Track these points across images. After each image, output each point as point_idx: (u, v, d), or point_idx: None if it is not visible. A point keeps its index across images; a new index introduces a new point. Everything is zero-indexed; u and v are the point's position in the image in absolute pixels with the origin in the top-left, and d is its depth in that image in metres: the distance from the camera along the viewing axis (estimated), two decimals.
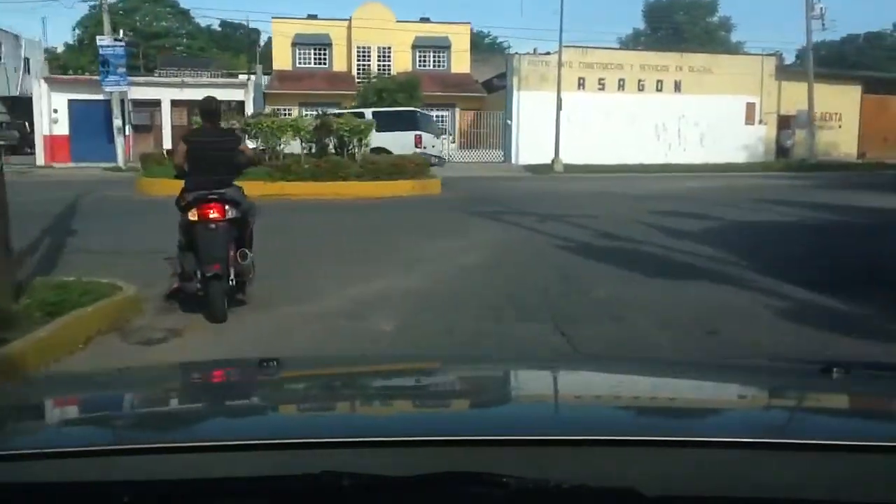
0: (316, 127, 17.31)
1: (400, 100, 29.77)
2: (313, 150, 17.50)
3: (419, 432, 1.17)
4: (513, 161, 31.74)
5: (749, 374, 2.02)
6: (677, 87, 33.48)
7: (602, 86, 32.74)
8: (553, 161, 29.05)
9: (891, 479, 1.03)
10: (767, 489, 1.02)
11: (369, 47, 38.69)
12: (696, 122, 33.49)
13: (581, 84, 32.42)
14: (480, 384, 1.81)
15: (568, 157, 29.22)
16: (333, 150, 17.54)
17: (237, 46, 59.42)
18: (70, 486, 1.02)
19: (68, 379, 2.52)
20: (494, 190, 19.29)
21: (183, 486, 1.01)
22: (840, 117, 37.07)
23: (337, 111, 23.92)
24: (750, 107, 34.49)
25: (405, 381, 1.86)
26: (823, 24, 32.45)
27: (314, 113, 22.28)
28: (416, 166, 17.22)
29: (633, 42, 52.93)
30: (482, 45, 54.02)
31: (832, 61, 46.81)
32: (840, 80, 36.51)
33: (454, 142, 33.55)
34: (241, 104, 29.02)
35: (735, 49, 50.47)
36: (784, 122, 35.32)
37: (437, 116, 35.53)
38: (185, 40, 61.67)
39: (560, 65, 29.48)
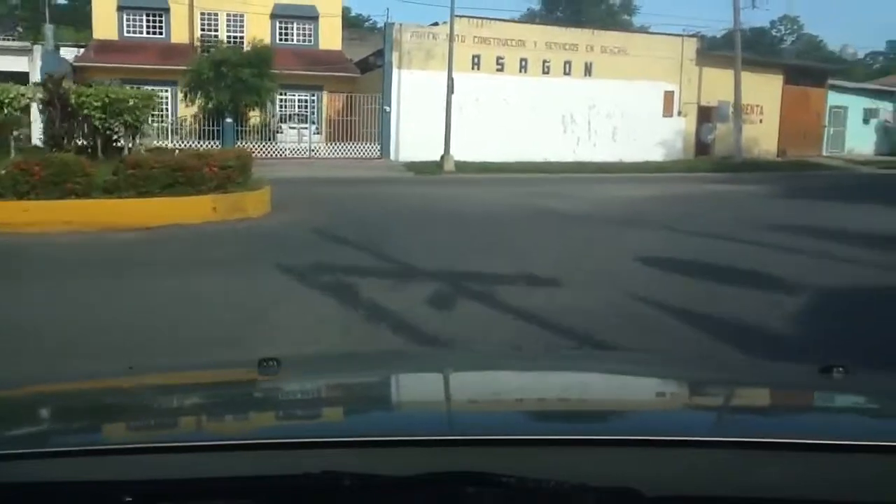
0: (43, 101, 10.42)
1: (245, 76, 22.97)
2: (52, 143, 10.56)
3: (419, 432, 1.16)
4: (392, 157, 25.53)
5: (749, 374, 1.98)
6: (588, 70, 28.16)
7: (500, 66, 26.98)
8: (442, 158, 23.07)
9: (890, 480, 1.01)
10: (766, 489, 1.00)
11: (216, 14, 31.46)
12: (608, 112, 28.32)
13: (476, 63, 26.55)
14: (480, 384, 1.75)
15: (459, 152, 23.34)
16: (85, 144, 10.71)
17: (84, 20, 51.20)
18: (70, 486, 1.00)
19: (69, 379, 2.20)
20: (362, 205, 13.05)
21: (183, 485, 1.00)
22: (762, 110, 32.89)
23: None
24: (668, 96, 29.63)
25: (405, 380, 1.82)
26: (754, 1, 27.88)
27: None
28: (223, 171, 10.53)
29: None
30: (361, 28, 47.50)
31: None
32: (761, 69, 32.25)
33: (318, 132, 26.97)
34: (25, 76, 21.42)
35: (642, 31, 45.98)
36: (705, 115, 30.70)
37: (300, 100, 28.92)
38: (18, 11, 52.72)
39: (451, 37, 23.45)
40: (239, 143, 24.54)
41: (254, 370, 1.59)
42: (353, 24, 48.78)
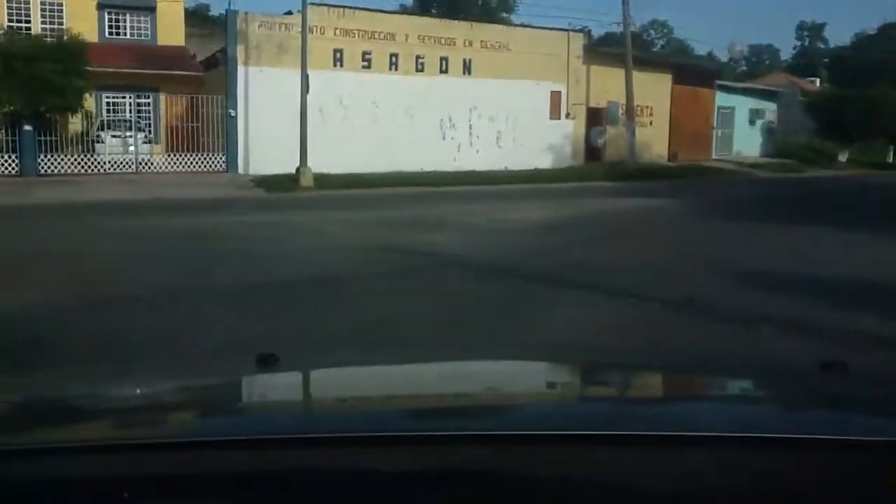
0: None
1: (48, 73, 18.41)
2: None
3: (419, 429, 1.16)
4: (241, 170, 21.51)
5: (748, 371, 1.91)
6: (467, 67, 25.00)
7: (367, 62, 23.39)
8: (298, 171, 19.27)
9: (889, 477, 1.02)
10: (766, 486, 1.00)
11: (28, 3, 26.48)
12: (491, 115, 25.30)
13: (338, 59, 22.87)
14: (481, 380, 1.69)
15: (321, 163, 19.64)
16: None
17: None
18: (68, 483, 0.99)
19: (70, 375, 2.17)
20: (143, 256, 8.89)
21: (180, 482, 0.99)
22: (651, 111, 30.77)
23: None
24: (555, 96, 26.91)
25: (405, 377, 1.77)
26: None
27: None
28: None
29: None
30: (217, 23, 42.79)
31: None
32: (649, 68, 30.10)
33: (149, 141, 22.51)
34: None
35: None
36: (594, 117, 28.20)
37: (131, 103, 24.25)
38: None
39: (305, 24, 19.67)
40: (43, 157, 19.93)
41: (252, 366, 1.58)
42: (210, 19, 44.06)
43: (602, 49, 28.23)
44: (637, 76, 27.22)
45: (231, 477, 0.99)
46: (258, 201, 16.42)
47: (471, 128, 25.08)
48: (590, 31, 28.46)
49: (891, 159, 40.14)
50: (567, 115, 27.19)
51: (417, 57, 24.08)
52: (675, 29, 79.46)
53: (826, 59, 75.05)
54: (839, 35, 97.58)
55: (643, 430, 1.12)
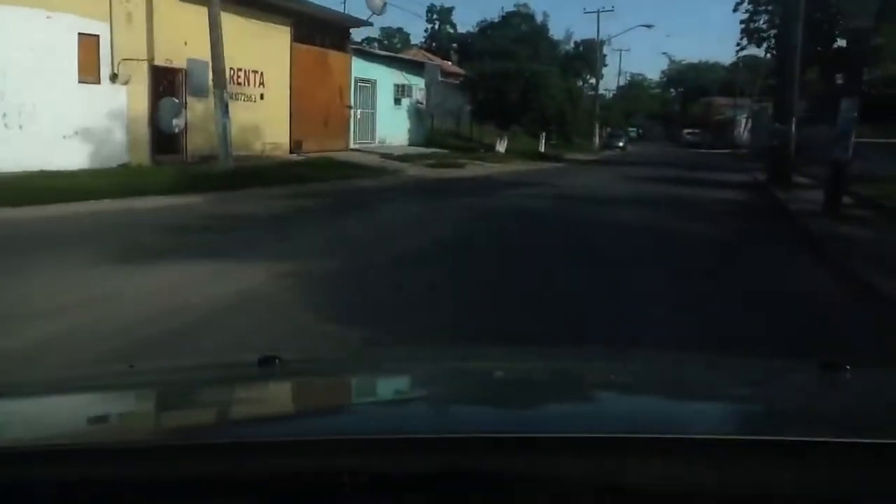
0: None
1: None
2: None
3: (421, 430, 1.15)
4: None
5: (748, 370, 1.90)
6: None
7: None
8: None
9: (890, 477, 1.00)
10: (765, 487, 0.99)
11: None
12: None
13: None
14: (484, 380, 1.68)
15: None
16: None
17: None
18: (69, 485, 0.98)
19: (69, 377, 2.15)
20: None
21: (180, 485, 0.98)
22: (262, 79, 20.79)
23: None
24: (89, 44, 15.51)
25: (407, 377, 1.76)
26: None
27: None
28: None
29: None
30: None
31: None
32: (258, 13, 20.04)
33: None
34: None
35: None
36: (167, 84, 17.33)
37: None
38: None
39: None
40: None
41: (254, 368, 1.53)
42: None
43: None
44: (239, 24, 17.15)
45: (231, 480, 0.96)
46: None
47: None
48: None
49: (543, 149, 35.16)
50: (114, 78, 15.93)
51: None
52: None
53: (454, 45, 73.11)
54: (466, 20, 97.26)
55: (640, 432, 1.09)
